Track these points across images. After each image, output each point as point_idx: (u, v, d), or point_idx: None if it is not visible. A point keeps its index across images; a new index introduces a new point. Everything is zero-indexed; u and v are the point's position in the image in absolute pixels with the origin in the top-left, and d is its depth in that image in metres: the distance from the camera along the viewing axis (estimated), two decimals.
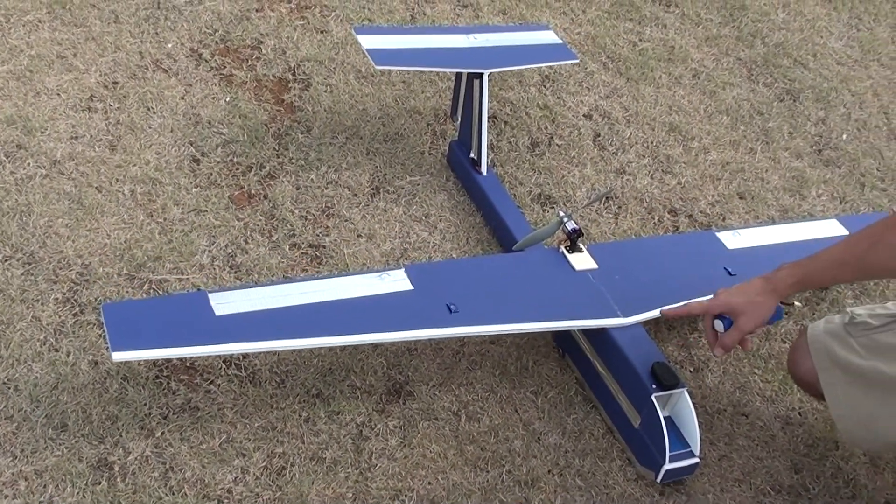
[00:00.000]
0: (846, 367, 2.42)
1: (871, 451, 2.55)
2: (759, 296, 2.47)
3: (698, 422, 2.47)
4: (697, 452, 2.47)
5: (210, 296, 2.40)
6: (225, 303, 2.38)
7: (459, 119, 3.29)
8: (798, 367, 2.56)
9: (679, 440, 2.47)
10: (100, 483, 2.29)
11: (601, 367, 2.61)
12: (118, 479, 2.30)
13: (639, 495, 2.49)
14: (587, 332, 2.65)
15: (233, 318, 2.35)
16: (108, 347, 2.23)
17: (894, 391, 2.34)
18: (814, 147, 3.76)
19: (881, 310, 2.46)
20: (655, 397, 2.44)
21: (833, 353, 2.45)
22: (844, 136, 3.85)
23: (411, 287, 2.55)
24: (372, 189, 3.17)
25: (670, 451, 2.42)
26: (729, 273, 2.84)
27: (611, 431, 2.62)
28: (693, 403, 2.48)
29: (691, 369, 2.83)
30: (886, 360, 2.36)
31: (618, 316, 2.60)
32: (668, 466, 2.43)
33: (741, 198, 3.45)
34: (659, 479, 2.46)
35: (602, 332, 2.60)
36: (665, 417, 2.46)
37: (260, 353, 2.60)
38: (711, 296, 2.56)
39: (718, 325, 2.50)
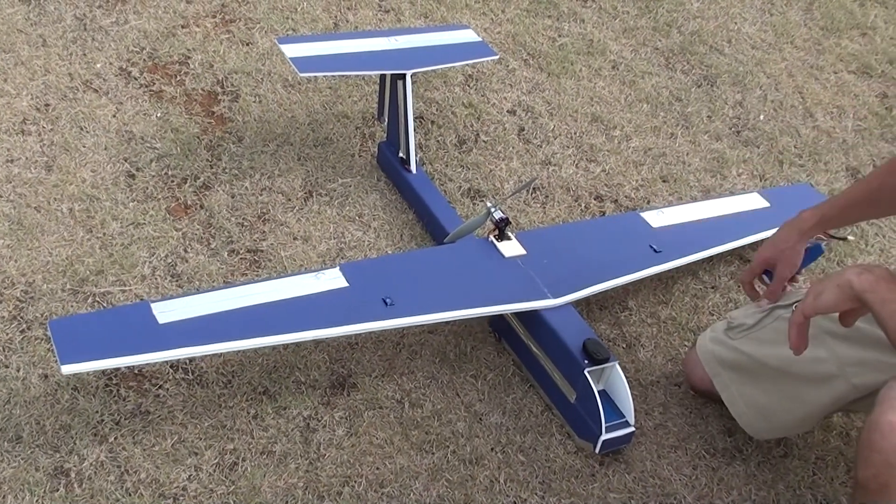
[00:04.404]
0: (734, 367, 2.60)
1: (773, 437, 2.66)
2: (785, 242, 2.59)
3: (632, 393, 2.56)
4: (632, 422, 2.55)
5: (152, 305, 2.46)
6: (167, 311, 2.45)
7: (386, 120, 3.37)
8: (692, 377, 2.76)
9: (614, 411, 2.56)
10: (57, 490, 2.34)
11: (536, 347, 2.69)
12: (75, 485, 2.36)
13: (580, 467, 2.57)
14: (520, 316, 2.73)
15: (175, 326, 2.42)
16: (56, 361, 2.28)
17: (777, 379, 2.51)
18: (732, 129, 3.87)
19: (754, 308, 2.63)
20: (588, 372, 2.52)
21: (720, 358, 2.63)
22: (762, 117, 3.96)
23: (347, 284, 2.62)
24: (305, 193, 3.23)
25: (606, 422, 2.51)
26: (654, 250, 2.94)
27: (549, 408, 2.70)
28: (626, 376, 2.57)
29: (624, 345, 2.93)
30: (765, 353, 2.53)
31: (547, 298, 2.68)
32: (605, 437, 2.51)
33: (664, 181, 3.55)
34: (598, 450, 2.54)
35: (534, 314, 2.68)
36: (599, 391, 2.54)
37: (205, 356, 2.66)
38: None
39: (760, 287, 2.66)
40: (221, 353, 2.67)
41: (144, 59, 3.65)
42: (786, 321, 2.44)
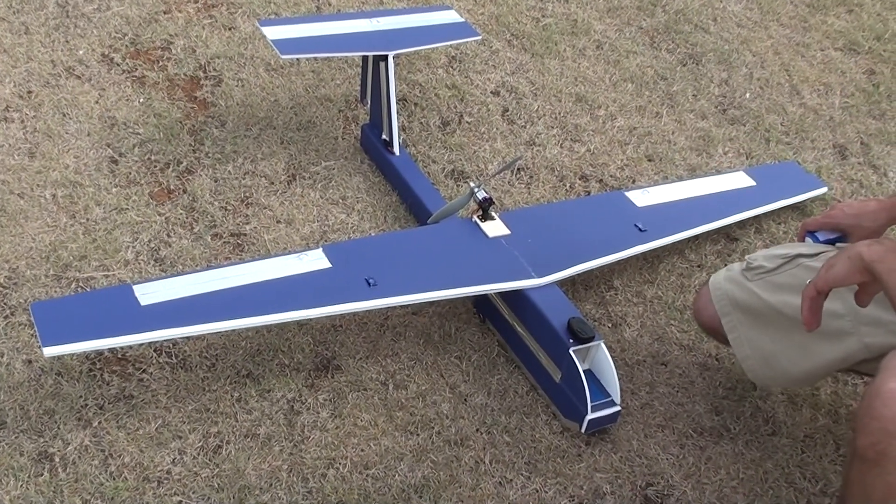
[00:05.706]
0: (746, 309, 2.50)
1: (775, 387, 2.64)
2: (863, 207, 2.57)
3: (618, 372, 2.55)
4: (618, 401, 2.55)
5: (134, 287, 2.45)
6: (149, 293, 2.44)
7: (369, 103, 3.35)
8: (702, 314, 2.65)
9: (600, 390, 2.55)
10: (42, 474, 2.33)
11: (520, 327, 2.69)
12: (59, 469, 2.35)
13: (566, 446, 2.57)
14: (504, 296, 2.72)
15: (158, 307, 2.41)
16: (39, 345, 2.28)
17: (789, 328, 2.42)
18: (718, 107, 3.86)
19: (776, 252, 2.55)
20: (574, 351, 2.51)
21: (733, 298, 2.53)
22: (748, 95, 3.95)
23: (329, 265, 2.61)
24: (288, 176, 3.22)
25: (592, 402, 2.49)
26: (640, 230, 2.94)
27: (534, 388, 2.69)
28: (612, 356, 2.56)
29: (609, 325, 2.92)
30: (780, 300, 2.44)
31: (532, 277, 2.68)
32: (590, 416, 2.50)
33: (650, 160, 3.54)
34: (583, 430, 2.53)
35: (519, 293, 2.67)
36: (585, 370, 2.53)
37: (189, 339, 2.66)
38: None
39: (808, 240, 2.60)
40: (204, 336, 2.67)
41: (127, 45, 3.64)
42: (807, 269, 2.40)
